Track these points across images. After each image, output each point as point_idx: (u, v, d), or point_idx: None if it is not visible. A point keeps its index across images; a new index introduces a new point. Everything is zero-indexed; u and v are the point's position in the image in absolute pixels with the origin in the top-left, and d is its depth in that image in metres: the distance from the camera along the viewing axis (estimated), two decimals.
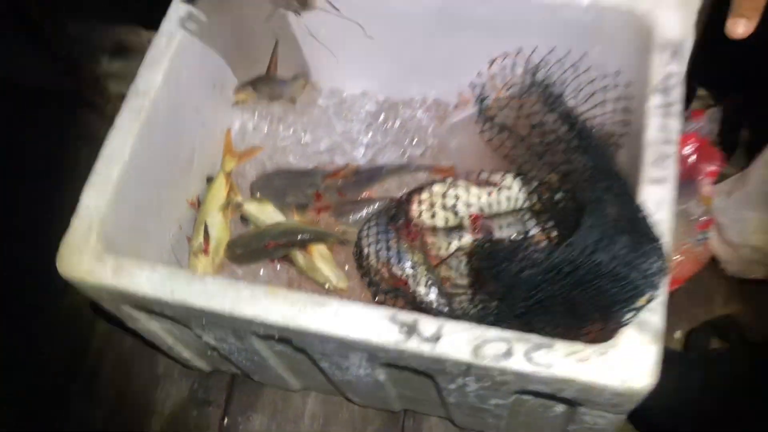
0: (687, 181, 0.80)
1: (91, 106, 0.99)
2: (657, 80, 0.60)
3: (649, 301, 0.50)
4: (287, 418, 0.81)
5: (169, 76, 0.68)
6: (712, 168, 0.80)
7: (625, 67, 0.64)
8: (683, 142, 0.80)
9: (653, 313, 0.51)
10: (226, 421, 0.81)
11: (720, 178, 0.81)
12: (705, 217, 0.79)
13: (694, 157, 0.80)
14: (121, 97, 0.66)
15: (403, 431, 0.79)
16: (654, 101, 0.59)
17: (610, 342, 0.50)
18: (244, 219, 0.77)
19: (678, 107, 0.58)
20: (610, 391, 0.50)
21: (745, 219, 0.75)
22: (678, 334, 0.80)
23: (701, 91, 0.89)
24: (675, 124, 0.57)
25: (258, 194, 0.77)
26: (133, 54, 1.01)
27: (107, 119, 0.65)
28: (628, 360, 0.49)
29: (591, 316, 0.52)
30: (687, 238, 0.80)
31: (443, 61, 0.76)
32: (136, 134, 0.64)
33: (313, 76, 0.84)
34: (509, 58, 0.70)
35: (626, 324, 0.50)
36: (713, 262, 0.81)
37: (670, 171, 0.56)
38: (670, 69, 0.60)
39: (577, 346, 0.50)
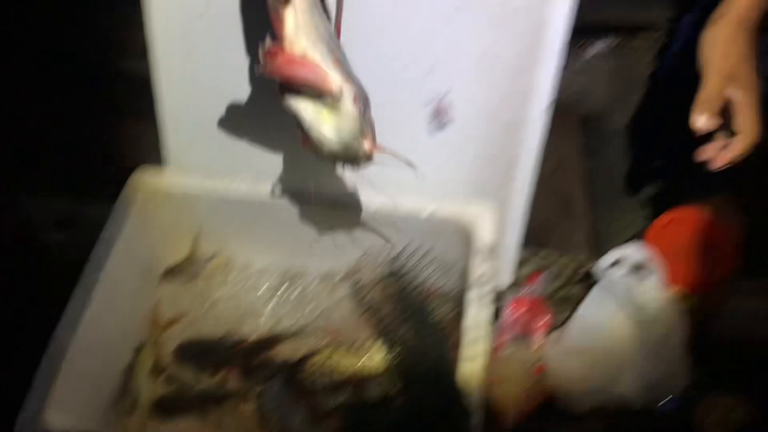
0: (524, 334, 1.01)
1: None
2: (475, 277, 0.82)
3: None
4: None
5: (113, 263, 0.86)
6: (542, 322, 1.02)
7: (459, 260, 0.87)
8: (519, 304, 1.02)
9: None
10: None
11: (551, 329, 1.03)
12: (539, 363, 1.00)
13: (528, 316, 1.02)
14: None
15: None
16: (471, 295, 0.81)
17: None
18: (170, 380, 0.94)
19: (488, 299, 0.80)
20: None
21: (565, 366, 0.96)
22: None
23: (540, 252, 1.13)
24: (485, 312, 0.79)
25: (179, 359, 0.95)
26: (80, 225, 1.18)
27: None
28: None
29: None
30: (528, 379, 1.00)
31: (331, 247, 0.97)
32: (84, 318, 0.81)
33: (228, 253, 1.04)
34: (376, 251, 0.92)
35: None
36: (551, 397, 1.02)
37: (480, 351, 0.76)
38: (483, 268, 0.82)
39: None
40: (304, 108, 0.67)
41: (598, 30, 1.40)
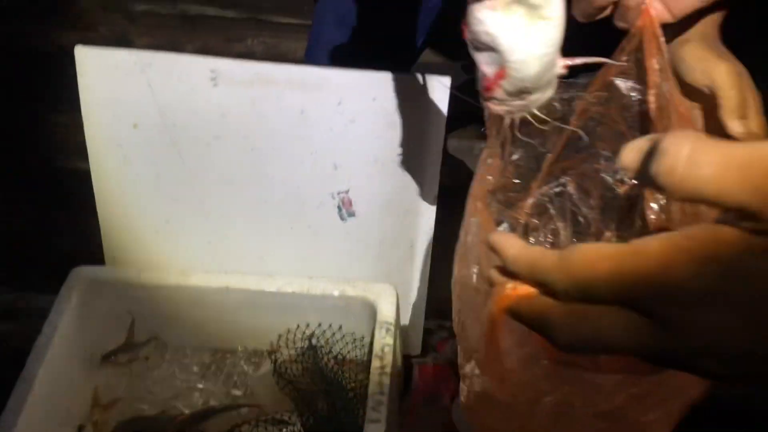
0: (435, 397, 1.13)
1: None
2: (377, 349, 0.94)
3: None
4: None
5: (55, 351, 0.95)
6: (449, 386, 1.14)
7: (366, 331, 0.99)
8: (427, 371, 1.14)
9: None
10: None
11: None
12: (448, 424, 1.11)
13: (436, 380, 1.14)
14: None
15: None
16: (375, 364, 0.92)
17: None
18: None
19: (389, 368, 0.92)
20: None
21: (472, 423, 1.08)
22: None
23: (446, 323, 1.26)
24: (386, 380, 0.91)
25: None
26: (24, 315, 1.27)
27: None
28: None
29: None
30: None
31: (255, 327, 1.08)
32: (27, 403, 0.90)
33: (163, 337, 1.14)
34: (293, 331, 1.04)
35: None
36: None
37: (383, 413, 0.88)
38: (384, 341, 0.94)
39: None
40: (510, 22, 0.46)
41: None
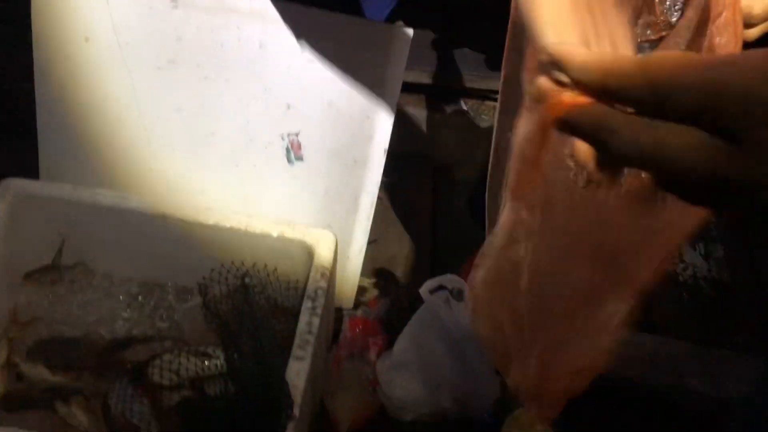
0: (360, 352, 1.14)
1: None
2: (311, 291, 0.93)
3: None
4: None
5: None
6: (376, 341, 1.15)
7: (301, 277, 0.99)
8: (356, 324, 1.14)
9: None
10: None
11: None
12: (373, 377, 1.12)
13: (364, 335, 1.14)
14: None
15: None
16: (306, 304, 0.92)
17: None
18: (20, 376, 0.99)
19: (320, 310, 0.92)
20: None
21: (392, 380, 1.09)
22: None
23: (383, 283, 1.27)
24: (316, 321, 0.91)
25: (32, 357, 1.00)
26: None
27: None
28: None
29: None
30: (363, 392, 1.12)
31: (186, 262, 1.06)
32: None
33: (91, 262, 1.11)
34: (226, 267, 1.02)
35: None
36: (382, 409, 1.14)
37: (308, 352, 0.88)
38: (319, 284, 0.94)
39: None
40: None
41: (454, 92, 1.60)
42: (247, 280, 1.00)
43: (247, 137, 1.02)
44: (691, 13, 0.61)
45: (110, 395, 0.92)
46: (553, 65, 0.36)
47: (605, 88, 0.33)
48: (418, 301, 1.19)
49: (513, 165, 0.49)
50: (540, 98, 0.37)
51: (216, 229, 0.99)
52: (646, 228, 0.47)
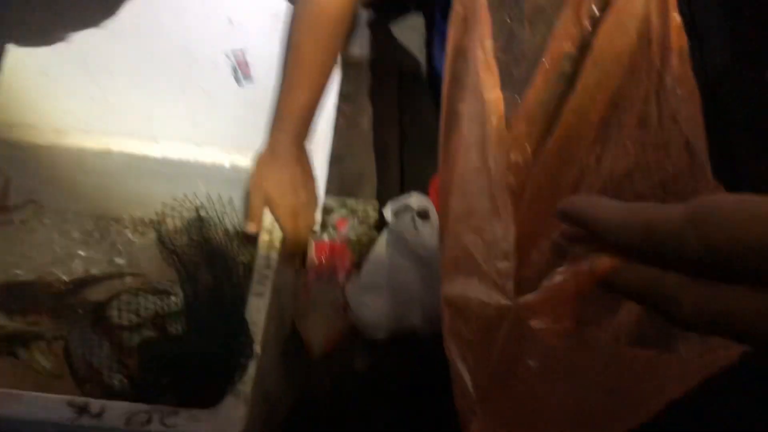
0: (329, 274, 1.12)
1: None
2: (267, 222, 0.89)
3: (240, 378, 0.79)
4: None
5: None
6: (344, 263, 1.12)
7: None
8: (323, 248, 1.12)
9: (244, 385, 0.79)
10: None
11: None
12: (343, 299, 1.11)
13: (332, 257, 1.12)
14: None
15: None
16: (263, 237, 0.89)
17: (217, 406, 0.78)
18: None
19: (277, 243, 0.89)
20: None
21: (363, 301, 1.08)
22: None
23: (348, 201, 1.23)
24: (274, 254, 0.88)
25: None
26: None
27: None
28: (226, 418, 0.77)
29: (206, 388, 0.80)
30: (333, 314, 1.11)
31: (140, 195, 1.02)
32: None
33: (42, 200, 1.06)
34: (179, 200, 0.98)
35: (226, 394, 0.78)
36: (355, 328, 1.13)
37: (267, 288, 0.85)
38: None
39: (195, 411, 0.77)
40: None
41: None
42: (202, 212, 0.96)
43: (189, 57, 0.95)
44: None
45: (70, 338, 0.90)
46: (578, 224, 0.30)
47: (650, 249, 0.28)
48: (383, 222, 1.16)
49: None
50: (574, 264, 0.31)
51: (165, 162, 0.94)
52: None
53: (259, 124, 1.00)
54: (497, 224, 0.46)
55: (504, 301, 0.42)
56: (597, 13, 0.71)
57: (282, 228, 0.87)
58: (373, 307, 1.08)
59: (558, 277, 0.30)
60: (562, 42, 0.75)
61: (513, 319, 0.39)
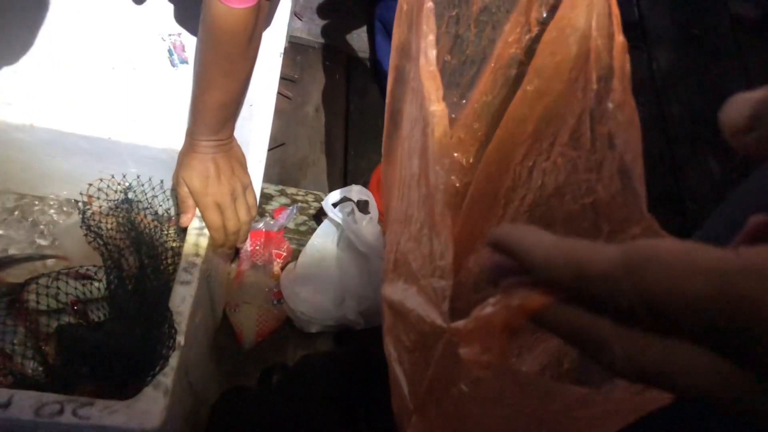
0: (265, 262, 1.09)
1: None
2: (198, 212, 0.87)
3: (161, 369, 0.76)
4: None
5: None
6: (280, 252, 1.10)
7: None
8: (259, 236, 1.09)
9: (165, 377, 0.76)
10: None
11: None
12: (277, 289, 1.08)
13: (267, 246, 1.09)
14: None
15: None
16: (194, 224, 0.86)
17: (135, 398, 0.75)
18: None
19: (205, 230, 0.86)
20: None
21: (297, 292, 1.06)
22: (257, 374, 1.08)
23: (288, 189, 1.20)
24: (204, 241, 0.85)
25: None
26: None
27: None
28: (144, 410, 0.74)
29: (125, 379, 0.77)
30: (267, 304, 1.09)
31: (66, 173, 0.97)
32: None
33: None
34: (106, 180, 0.94)
35: (146, 385, 0.75)
36: (288, 319, 1.11)
37: (195, 276, 0.82)
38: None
39: (111, 402, 0.74)
40: None
41: None
42: (130, 194, 0.92)
43: (122, 37, 0.90)
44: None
45: None
46: (509, 255, 0.28)
47: (580, 291, 0.26)
48: (322, 213, 1.14)
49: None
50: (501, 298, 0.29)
51: (93, 139, 0.89)
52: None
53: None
54: (435, 240, 0.45)
55: (439, 322, 0.41)
56: (545, 16, 0.70)
57: (206, 221, 0.84)
58: (307, 301, 1.06)
59: (488, 308, 0.28)
60: (509, 45, 0.75)
61: (446, 341, 0.38)
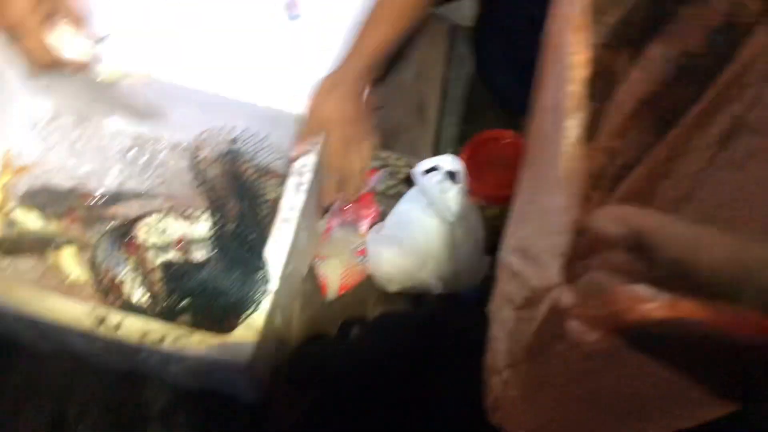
0: (352, 221, 1.14)
1: None
2: (297, 165, 0.91)
3: (254, 311, 0.82)
4: (40, 374, 1.05)
5: None
6: (369, 212, 1.14)
7: (292, 149, 0.96)
8: None
9: (257, 318, 0.82)
10: None
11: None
12: (362, 247, 1.13)
13: (358, 206, 1.13)
14: None
15: (131, 386, 1.06)
16: (293, 180, 0.91)
17: (229, 334, 0.81)
18: (11, 222, 1.01)
19: (306, 186, 0.90)
20: (226, 364, 0.81)
21: (381, 252, 1.10)
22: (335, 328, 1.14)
23: (381, 153, 1.23)
24: (301, 197, 0.89)
25: (25, 204, 1.01)
26: None
27: None
28: (236, 346, 0.80)
29: (221, 316, 0.84)
30: (351, 260, 1.14)
31: (178, 120, 1.04)
32: None
33: (83, 113, 1.09)
34: (216, 130, 1.00)
35: (240, 323, 0.82)
36: (369, 277, 1.16)
37: (290, 228, 0.87)
38: (306, 160, 0.92)
39: (207, 336, 0.81)
40: None
41: None
42: (236, 146, 0.98)
43: None
44: None
45: (97, 249, 0.94)
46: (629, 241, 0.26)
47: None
48: (413, 178, 1.17)
49: None
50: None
51: (204, 93, 0.95)
52: None
53: (304, 60, 1.01)
54: (559, 197, 0.44)
55: (547, 282, 0.41)
56: None
57: (331, 157, 0.86)
58: (390, 261, 1.10)
59: (612, 291, 0.27)
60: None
61: (552, 304, 0.39)
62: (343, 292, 1.13)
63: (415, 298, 1.15)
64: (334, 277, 1.12)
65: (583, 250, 0.37)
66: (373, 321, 1.13)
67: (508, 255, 0.58)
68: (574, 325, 0.33)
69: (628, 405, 0.48)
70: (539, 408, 0.55)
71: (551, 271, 0.40)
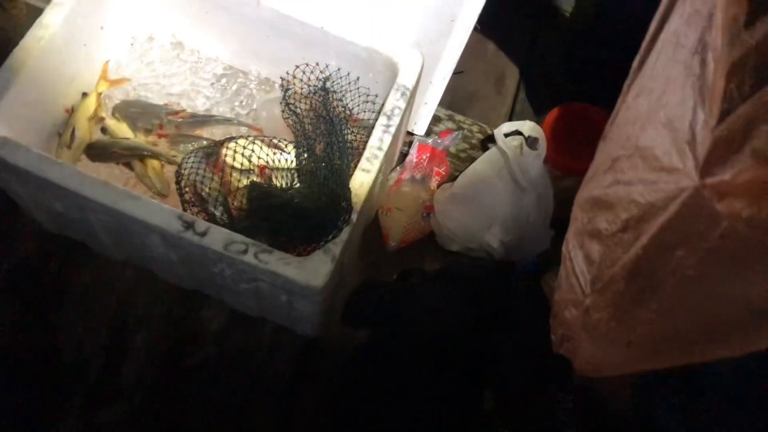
0: (423, 177, 1.16)
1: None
2: (388, 108, 0.93)
3: (333, 238, 0.85)
4: (107, 279, 1.09)
5: (69, 17, 0.94)
6: (440, 170, 1.16)
7: (382, 92, 0.98)
8: (425, 149, 1.15)
9: (335, 246, 0.85)
10: (61, 270, 1.08)
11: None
12: (429, 203, 1.15)
13: (430, 162, 1.15)
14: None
15: (191, 304, 1.10)
16: (381, 121, 0.93)
17: (307, 257, 0.84)
18: (104, 130, 1.04)
19: (393, 128, 0.92)
20: (300, 285, 0.84)
21: (448, 210, 1.12)
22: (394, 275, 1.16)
23: (457, 116, 1.25)
24: (388, 138, 0.91)
25: (117, 114, 1.05)
26: None
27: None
28: (313, 269, 0.83)
29: (300, 240, 0.86)
30: (416, 215, 1.16)
31: (273, 53, 1.06)
32: (36, 55, 0.90)
33: (180, 36, 1.12)
34: (310, 67, 1.02)
35: (318, 248, 0.84)
36: (431, 233, 1.18)
37: (375, 166, 0.90)
38: (397, 103, 0.93)
39: (286, 255, 0.83)
40: None
41: None
42: (328, 84, 1.01)
43: None
44: None
45: (184, 165, 0.97)
46: None
47: None
48: (489, 142, 1.18)
49: None
50: None
51: (307, 26, 0.97)
52: None
53: (401, 11, 1.03)
54: (701, 106, 0.45)
55: (684, 182, 0.41)
56: None
57: None
58: (456, 220, 1.11)
59: None
60: None
61: (687, 200, 0.39)
62: (403, 245, 1.15)
63: (473, 260, 1.16)
64: (398, 228, 1.14)
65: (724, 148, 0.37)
66: (435, 271, 1.16)
67: (597, 188, 0.59)
68: (726, 205, 0.34)
69: (730, 314, 0.49)
70: (633, 322, 0.56)
71: (691, 168, 0.40)
